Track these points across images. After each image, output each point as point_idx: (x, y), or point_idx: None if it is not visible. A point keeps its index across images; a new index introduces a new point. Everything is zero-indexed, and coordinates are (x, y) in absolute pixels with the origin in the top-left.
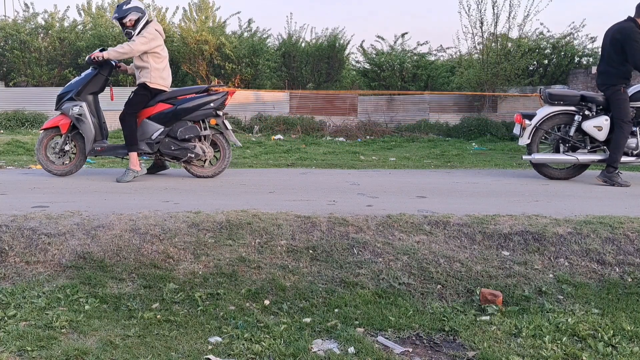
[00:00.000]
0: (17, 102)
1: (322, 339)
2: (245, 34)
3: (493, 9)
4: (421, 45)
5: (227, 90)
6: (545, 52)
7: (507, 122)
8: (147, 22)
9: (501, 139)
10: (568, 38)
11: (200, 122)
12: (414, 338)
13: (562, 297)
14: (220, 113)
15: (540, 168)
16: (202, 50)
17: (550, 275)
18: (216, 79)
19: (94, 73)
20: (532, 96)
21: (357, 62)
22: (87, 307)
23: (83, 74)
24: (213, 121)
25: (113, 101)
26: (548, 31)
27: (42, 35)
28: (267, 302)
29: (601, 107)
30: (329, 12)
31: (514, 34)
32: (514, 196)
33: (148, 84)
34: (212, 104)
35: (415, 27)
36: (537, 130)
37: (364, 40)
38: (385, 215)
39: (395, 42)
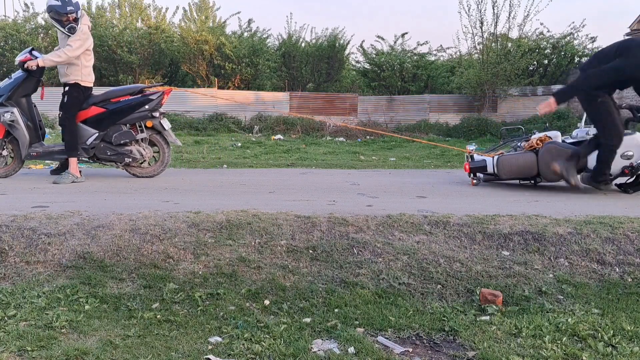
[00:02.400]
0: None
1: (322, 339)
2: (245, 34)
3: (493, 9)
4: (421, 45)
5: (162, 90)
6: (545, 52)
7: (507, 122)
8: (81, 16)
9: (501, 139)
10: (568, 38)
11: (136, 124)
12: (414, 338)
13: (562, 297)
14: (157, 114)
15: None
16: (202, 50)
17: (550, 275)
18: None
19: (25, 76)
20: (531, 96)
21: (357, 62)
22: (87, 307)
23: (13, 77)
24: (149, 123)
25: (43, 100)
26: (548, 31)
27: (42, 35)
28: (267, 302)
29: None
30: (328, 12)
31: (514, 34)
32: (514, 196)
33: (80, 82)
34: (147, 106)
35: (416, 27)
36: None
37: (364, 41)
38: (385, 215)
39: (395, 42)
